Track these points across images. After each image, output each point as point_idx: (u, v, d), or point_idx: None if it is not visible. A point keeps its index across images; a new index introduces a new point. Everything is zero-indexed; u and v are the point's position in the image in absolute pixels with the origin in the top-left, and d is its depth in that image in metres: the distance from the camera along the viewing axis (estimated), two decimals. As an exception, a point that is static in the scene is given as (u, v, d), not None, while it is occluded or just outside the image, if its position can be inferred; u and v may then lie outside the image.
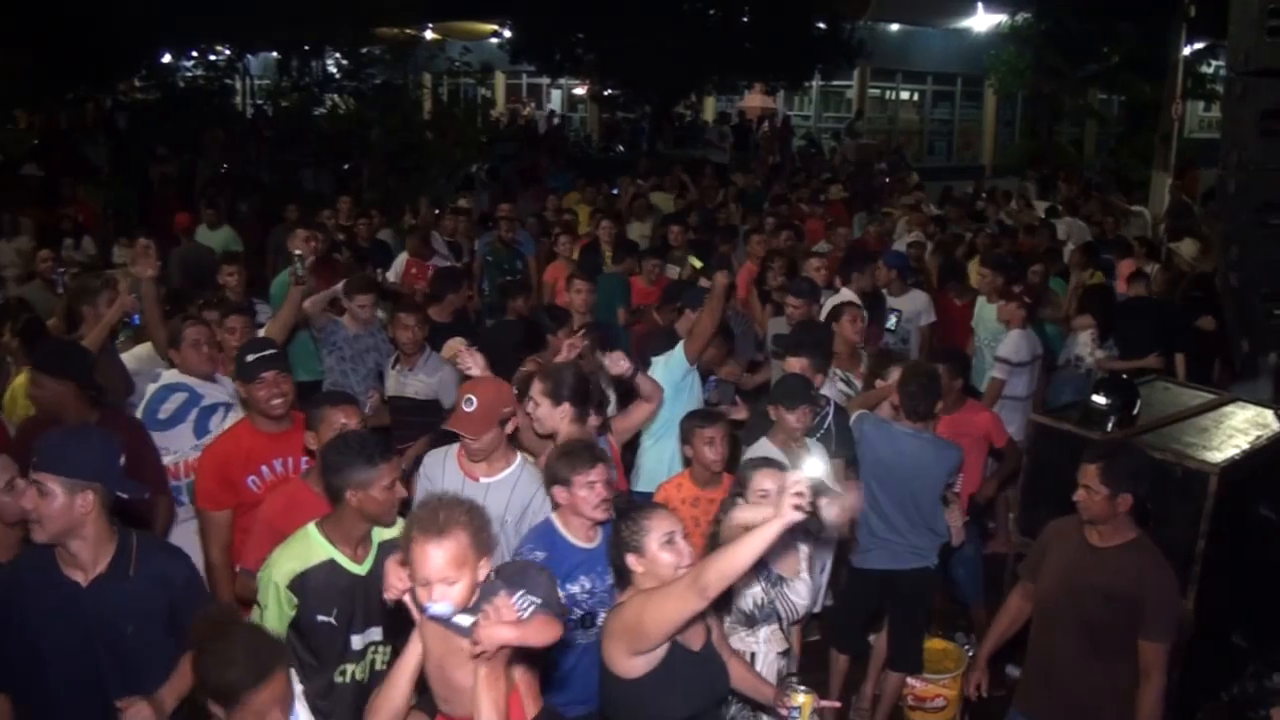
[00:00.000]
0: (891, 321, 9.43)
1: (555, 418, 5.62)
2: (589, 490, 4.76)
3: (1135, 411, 6.60)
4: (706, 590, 3.65)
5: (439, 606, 3.37)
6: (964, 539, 6.76)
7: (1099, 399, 6.65)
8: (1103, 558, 4.99)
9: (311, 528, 4.38)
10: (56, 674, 3.98)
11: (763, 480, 4.97)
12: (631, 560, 4.04)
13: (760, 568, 4.88)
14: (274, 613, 4.25)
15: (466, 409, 5.20)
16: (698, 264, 7.90)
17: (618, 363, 6.00)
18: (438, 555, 3.38)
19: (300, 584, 4.25)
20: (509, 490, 5.27)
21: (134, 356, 7.25)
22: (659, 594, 3.85)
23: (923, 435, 6.38)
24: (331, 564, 4.33)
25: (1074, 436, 6.39)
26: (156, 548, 4.29)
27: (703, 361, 7.31)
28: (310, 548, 4.32)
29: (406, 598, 3.49)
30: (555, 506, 4.91)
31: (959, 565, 7.22)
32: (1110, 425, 6.43)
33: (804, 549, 5.14)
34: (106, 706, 3.99)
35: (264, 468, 5.44)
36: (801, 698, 4.31)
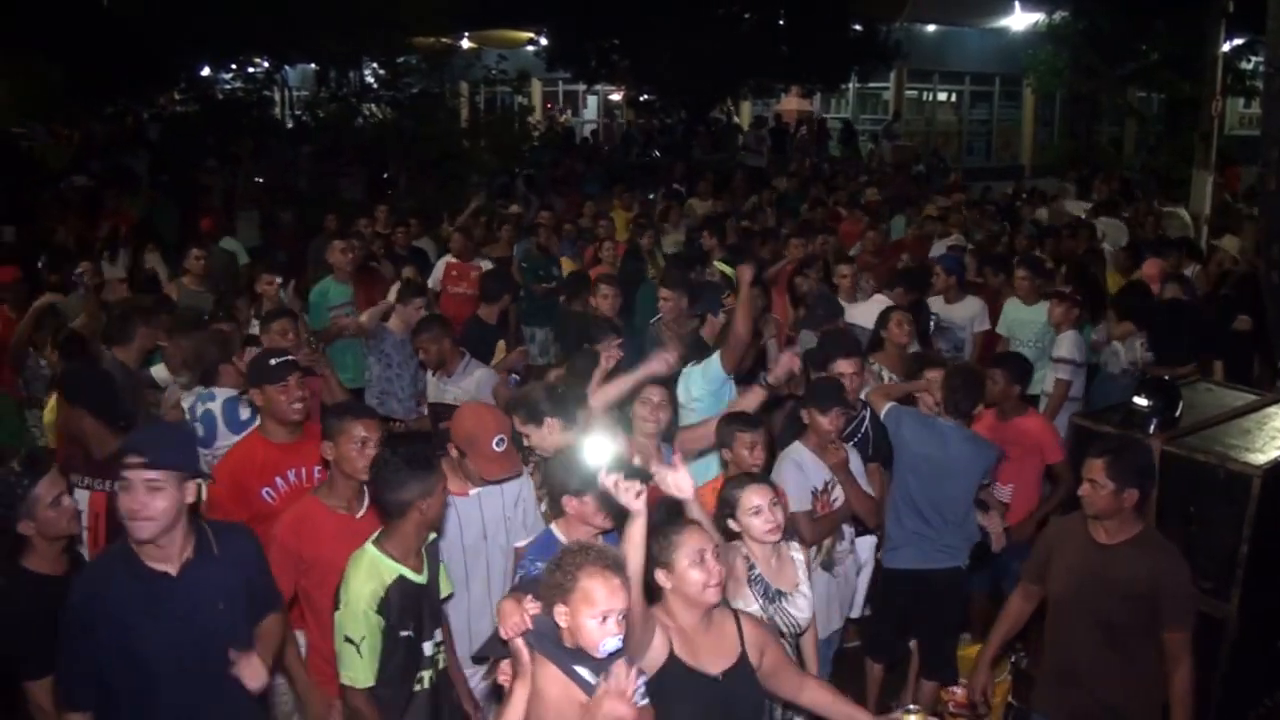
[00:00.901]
0: (929, 327, 9.38)
1: (545, 436, 5.64)
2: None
3: (1178, 413, 6.53)
4: (630, 571, 3.65)
5: (613, 642, 3.47)
6: (1004, 545, 6.70)
7: (1141, 401, 6.59)
8: (1111, 555, 4.97)
9: (371, 549, 4.39)
10: (158, 674, 4.00)
11: (751, 497, 4.92)
12: (661, 576, 4.02)
13: (758, 584, 4.90)
14: (370, 643, 4.26)
15: (500, 449, 5.19)
16: (727, 270, 7.87)
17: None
18: (617, 589, 3.47)
19: (384, 604, 4.27)
20: (499, 491, 5.31)
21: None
22: None
23: (962, 430, 6.39)
24: (402, 579, 4.36)
25: (1123, 436, 6.33)
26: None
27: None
28: (379, 569, 4.33)
29: (520, 641, 3.55)
30: (558, 515, 4.90)
31: (1005, 578, 7.11)
32: (1152, 427, 6.37)
33: (799, 559, 5.12)
34: (209, 691, 4.10)
35: (278, 479, 5.49)
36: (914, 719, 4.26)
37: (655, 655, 3.85)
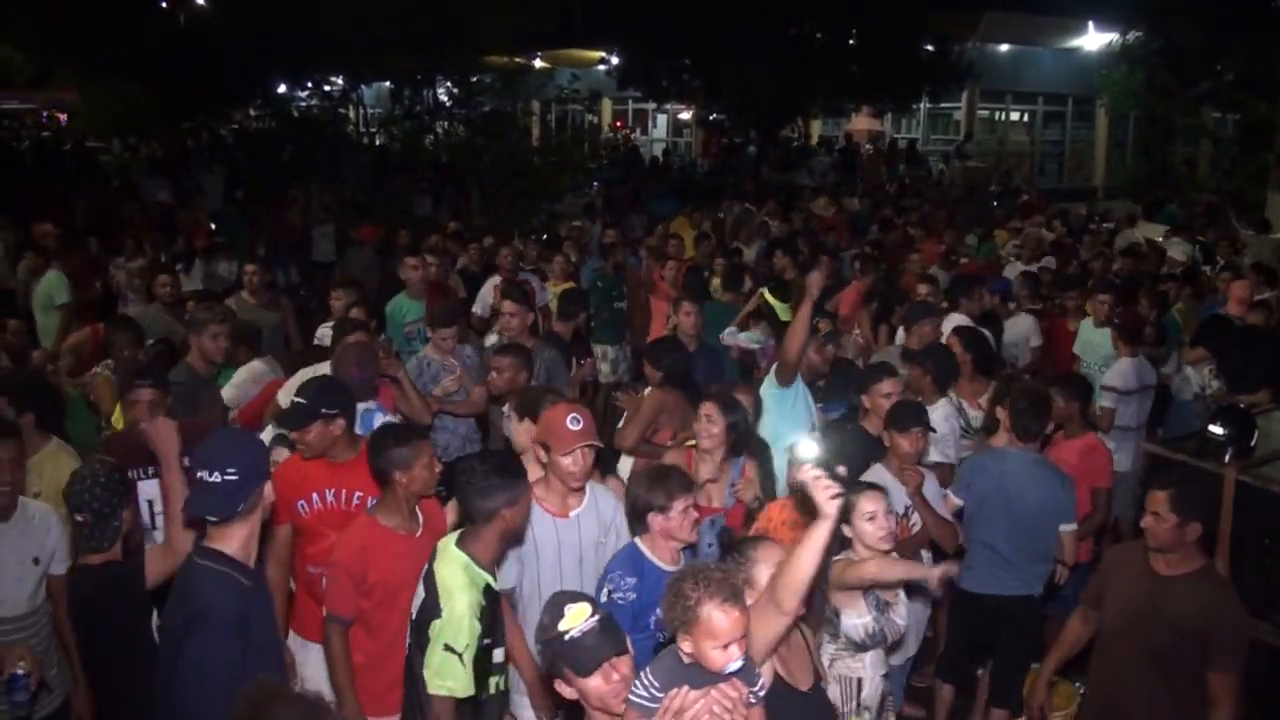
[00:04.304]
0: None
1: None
2: (684, 515, 4.81)
3: (1253, 442, 6.46)
4: (783, 605, 3.68)
5: (735, 664, 3.51)
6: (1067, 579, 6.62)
7: (1216, 429, 6.53)
8: (1169, 587, 4.88)
9: (462, 555, 4.43)
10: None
11: (866, 503, 4.95)
12: (748, 593, 3.98)
13: (868, 595, 4.88)
14: (471, 652, 4.29)
15: (576, 426, 5.16)
16: (775, 302, 7.71)
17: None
18: (738, 620, 3.48)
19: (483, 613, 4.33)
20: (595, 515, 5.31)
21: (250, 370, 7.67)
22: (751, 615, 3.82)
23: (1033, 459, 6.32)
24: (488, 587, 4.43)
25: (1190, 468, 6.28)
26: None
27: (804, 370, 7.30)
28: (473, 575, 4.38)
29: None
30: (640, 531, 4.93)
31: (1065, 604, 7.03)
32: (1227, 456, 6.30)
33: None
34: None
35: (314, 494, 5.46)
36: None
37: (766, 672, 3.87)
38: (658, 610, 4.63)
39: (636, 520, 4.90)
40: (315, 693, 3.62)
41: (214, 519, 4.01)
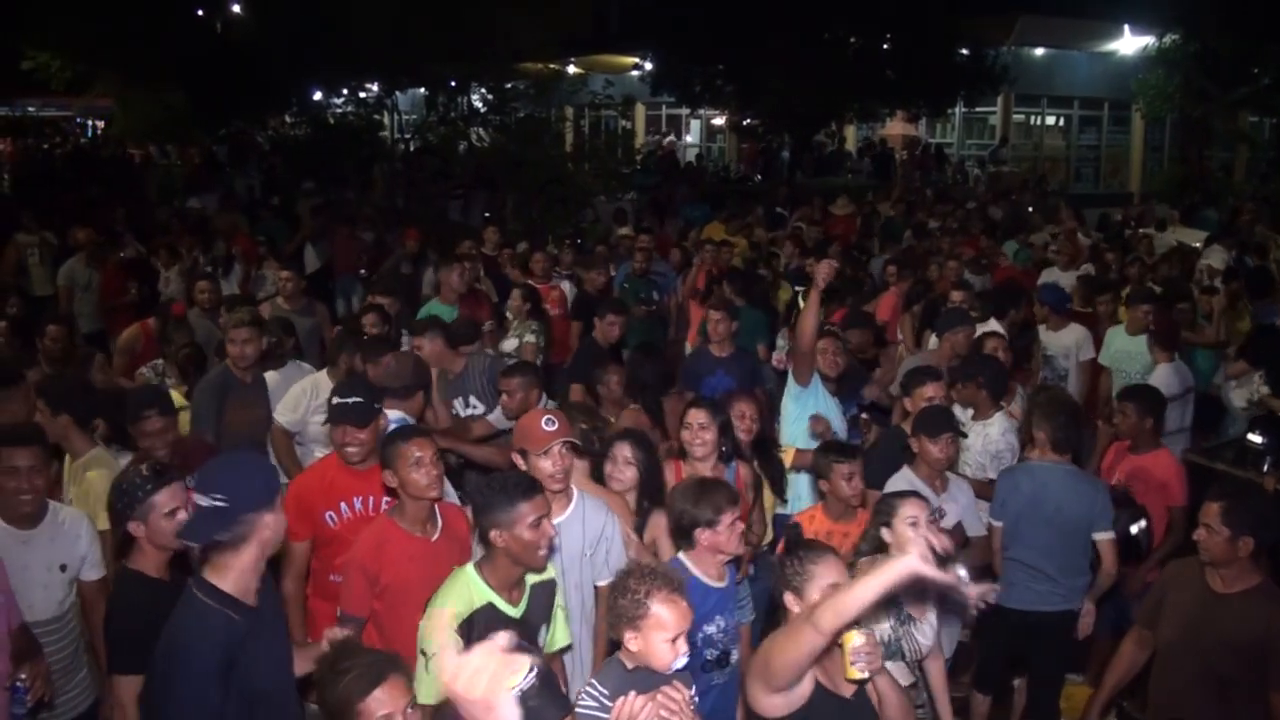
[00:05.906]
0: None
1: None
2: (731, 529, 4.76)
3: (1294, 451, 6.41)
4: (822, 628, 3.51)
5: (682, 660, 3.60)
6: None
7: (1255, 437, 6.47)
8: (1226, 605, 4.80)
9: (470, 570, 4.42)
10: (268, 707, 3.94)
11: (909, 508, 4.92)
12: (790, 599, 3.99)
13: (893, 605, 4.83)
14: (440, 660, 4.27)
15: (550, 427, 5.18)
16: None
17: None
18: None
19: (465, 628, 4.25)
20: (580, 525, 5.24)
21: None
22: (784, 632, 3.78)
23: (1065, 471, 6.21)
24: (491, 608, 4.36)
25: (1230, 476, 6.22)
26: None
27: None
28: (471, 591, 4.36)
29: None
30: (682, 547, 4.87)
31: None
32: (1267, 465, 6.25)
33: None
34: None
35: (343, 504, 5.48)
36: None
37: (806, 684, 3.82)
38: (705, 627, 4.66)
39: (683, 537, 4.84)
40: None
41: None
